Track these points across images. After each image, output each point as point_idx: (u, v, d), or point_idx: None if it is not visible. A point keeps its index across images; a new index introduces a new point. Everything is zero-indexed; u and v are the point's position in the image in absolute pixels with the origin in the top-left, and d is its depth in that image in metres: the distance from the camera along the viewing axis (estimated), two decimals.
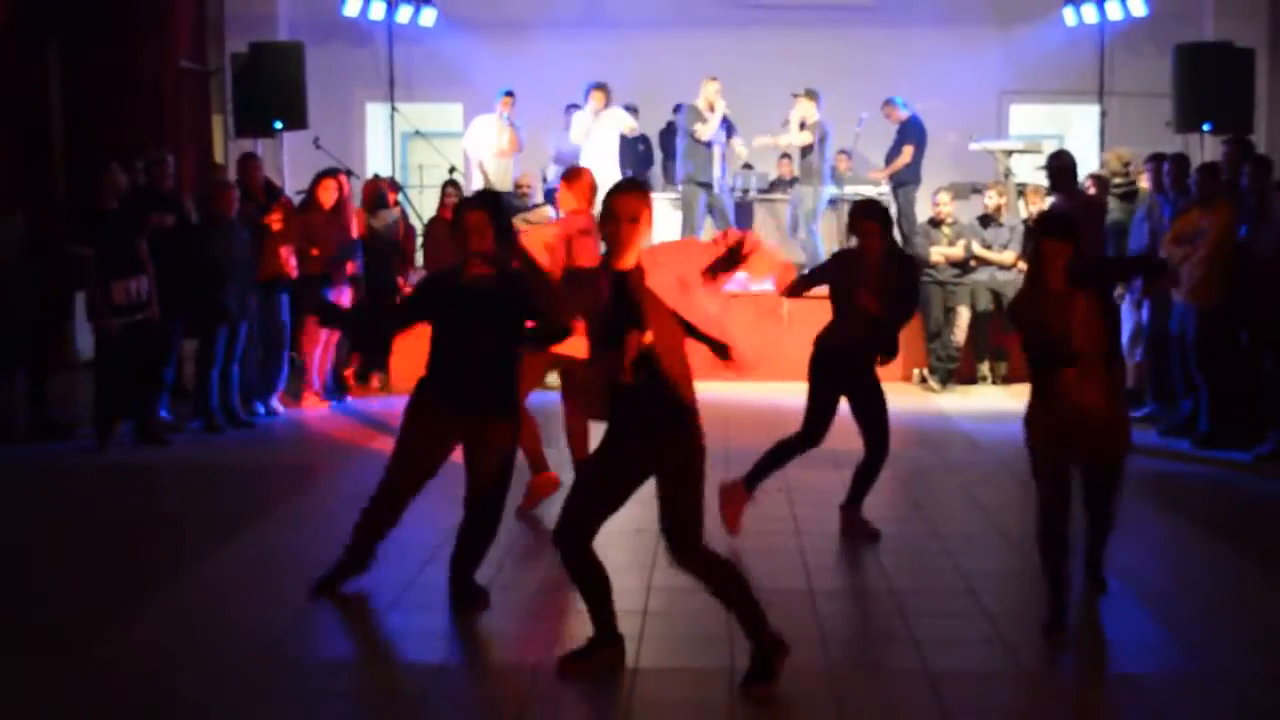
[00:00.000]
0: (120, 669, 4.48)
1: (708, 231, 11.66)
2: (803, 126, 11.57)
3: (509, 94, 12.36)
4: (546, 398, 7.61)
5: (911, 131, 12.26)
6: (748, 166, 13.44)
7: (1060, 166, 8.82)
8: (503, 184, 12.16)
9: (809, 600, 5.25)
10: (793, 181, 12.45)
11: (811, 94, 11.66)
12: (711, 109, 11.51)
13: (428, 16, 13.88)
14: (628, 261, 4.14)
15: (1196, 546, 6.28)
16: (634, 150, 13.43)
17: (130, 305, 8.07)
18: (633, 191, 4.20)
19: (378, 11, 13.57)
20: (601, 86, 11.84)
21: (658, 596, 5.21)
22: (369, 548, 5.21)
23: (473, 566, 5.10)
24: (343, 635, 4.93)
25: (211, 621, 5.03)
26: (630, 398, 4.12)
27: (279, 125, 12.20)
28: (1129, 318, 9.13)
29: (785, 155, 13.63)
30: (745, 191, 13.15)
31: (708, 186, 11.62)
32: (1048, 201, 10.28)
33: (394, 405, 9.87)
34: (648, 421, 4.13)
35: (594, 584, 4.35)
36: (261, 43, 12.54)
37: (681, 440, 4.14)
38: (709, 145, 11.58)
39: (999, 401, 10.05)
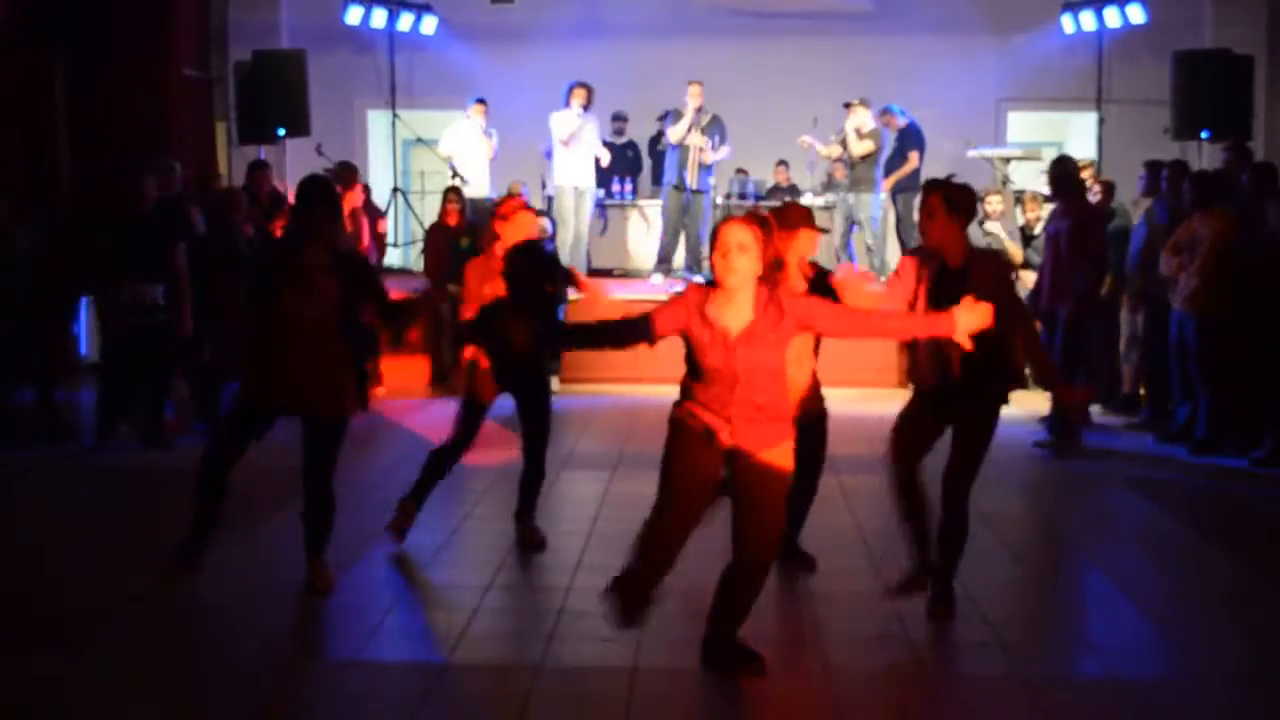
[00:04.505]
0: (120, 669, 4.50)
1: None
2: (860, 135, 11.87)
3: (480, 101, 12.37)
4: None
5: (912, 138, 12.32)
6: (741, 171, 13.46)
7: (1062, 174, 8.73)
8: (480, 190, 12.16)
9: (807, 603, 5.29)
10: (835, 188, 12.59)
11: (865, 102, 12.00)
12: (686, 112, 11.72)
13: (429, 24, 13.95)
14: None
15: (1193, 551, 6.31)
16: (624, 156, 13.45)
17: (138, 308, 8.09)
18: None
19: (379, 19, 13.64)
20: (584, 85, 11.85)
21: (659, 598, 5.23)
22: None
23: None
24: (343, 635, 4.96)
25: (212, 622, 5.06)
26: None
27: (281, 132, 12.26)
28: (1125, 323, 9.15)
29: (782, 162, 13.71)
30: (742, 197, 13.15)
31: (682, 189, 11.77)
32: (1046, 208, 10.30)
33: (394, 408, 9.95)
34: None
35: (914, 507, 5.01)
36: (264, 51, 12.61)
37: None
38: (680, 149, 11.76)
39: None
